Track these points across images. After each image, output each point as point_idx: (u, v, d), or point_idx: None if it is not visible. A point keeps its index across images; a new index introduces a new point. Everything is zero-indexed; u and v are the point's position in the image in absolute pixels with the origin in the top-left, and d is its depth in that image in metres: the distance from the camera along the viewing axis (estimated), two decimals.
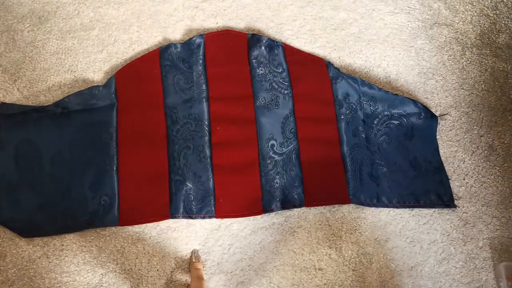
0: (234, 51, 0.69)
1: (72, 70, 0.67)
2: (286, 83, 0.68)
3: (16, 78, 0.65)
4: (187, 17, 0.72)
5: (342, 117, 0.67)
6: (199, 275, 0.54)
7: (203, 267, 0.58)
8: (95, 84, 0.66)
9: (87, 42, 0.68)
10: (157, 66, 0.66)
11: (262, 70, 0.68)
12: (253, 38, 0.70)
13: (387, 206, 0.63)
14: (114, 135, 0.62)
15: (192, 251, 0.60)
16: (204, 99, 0.65)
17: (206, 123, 0.64)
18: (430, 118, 0.68)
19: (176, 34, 0.71)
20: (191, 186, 0.61)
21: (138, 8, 0.71)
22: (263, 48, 0.69)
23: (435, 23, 0.75)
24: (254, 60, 0.68)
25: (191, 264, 0.58)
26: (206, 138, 0.64)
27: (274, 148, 0.65)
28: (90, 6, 0.71)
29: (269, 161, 0.64)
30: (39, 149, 0.61)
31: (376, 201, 0.63)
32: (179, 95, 0.65)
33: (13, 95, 0.64)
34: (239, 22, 0.73)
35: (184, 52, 0.68)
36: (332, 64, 0.69)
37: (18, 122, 0.62)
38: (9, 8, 0.68)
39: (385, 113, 0.68)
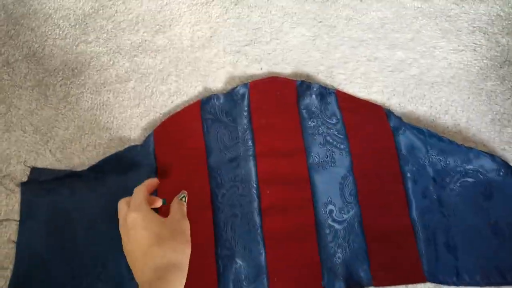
0: (282, 100, 0.62)
1: (107, 127, 0.61)
2: (341, 136, 0.60)
3: (48, 139, 0.60)
4: (229, 63, 0.66)
5: (409, 174, 0.58)
6: (181, 210, 0.46)
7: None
8: (132, 143, 0.60)
9: (123, 96, 0.63)
10: (199, 121, 0.60)
11: (313, 122, 0.61)
12: (302, 86, 0.63)
13: (469, 284, 0.54)
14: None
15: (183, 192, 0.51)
16: (250, 157, 0.59)
17: (254, 185, 0.58)
18: (511, 174, 0.59)
19: (217, 82, 0.65)
20: (241, 263, 0.54)
21: (176, 55, 0.66)
22: (313, 96, 0.62)
23: (506, 61, 0.66)
24: (304, 110, 0.61)
25: (175, 200, 0.49)
26: (255, 203, 0.57)
27: (333, 214, 0.57)
28: (126, 56, 0.65)
29: (328, 231, 0.56)
30: (72, 219, 0.56)
31: (456, 279, 0.54)
32: (223, 154, 0.59)
33: (45, 158, 0.59)
34: (285, 67, 0.66)
35: (227, 104, 0.62)
36: (393, 113, 0.62)
37: (50, 188, 0.57)
38: (40, 60, 0.64)
39: (458, 169, 0.59)
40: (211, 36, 0.67)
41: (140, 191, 0.45)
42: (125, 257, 0.44)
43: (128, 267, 0.50)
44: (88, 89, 0.63)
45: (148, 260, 0.39)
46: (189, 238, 0.43)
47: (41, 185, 0.57)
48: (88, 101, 0.62)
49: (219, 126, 0.60)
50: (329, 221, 0.56)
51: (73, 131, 0.61)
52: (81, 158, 0.59)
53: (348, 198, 0.58)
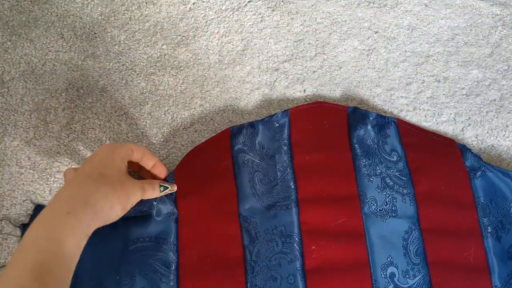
0: (330, 132, 0.50)
1: None
2: (404, 178, 0.48)
3: (49, 176, 0.50)
4: (265, 83, 0.54)
5: (489, 229, 0.46)
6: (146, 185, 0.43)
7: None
8: None
9: (137, 122, 0.52)
10: (228, 157, 0.49)
11: (369, 159, 0.49)
12: (355, 113, 0.51)
13: None
14: (173, 257, 0.45)
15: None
16: (292, 204, 0.47)
17: (297, 239, 0.46)
18: None
19: (250, 107, 0.53)
20: None
21: (202, 73, 0.54)
22: (369, 127, 0.50)
23: None
24: (357, 145, 0.49)
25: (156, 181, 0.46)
26: (298, 263, 0.45)
27: (395, 279, 0.45)
28: (141, 73, 0.54)
29: None
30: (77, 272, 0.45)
31: None
32: (258, 199, 0.48)
33: (45, 200, 0.49)
34: (333, 88, 0.54)
35: (264, 135, 0.50)
36: (469, 149, 0.49)
37: None
38: (39, 78, 0.53)
39: None
40: (243, 50, 0.56)
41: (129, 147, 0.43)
42: None
43: None
44: (96, 114, 0.52)
45: (80, 183, 0.37)
46: (127, 208, 0.40)
47: None
48: (96, 129, 0.52)
49: (253, 164, 0.49)
50: (391, 287, 0.45)
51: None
52: None
53: (414, 258, 0.46)
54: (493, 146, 0.51)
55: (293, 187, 0.48)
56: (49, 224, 0.34)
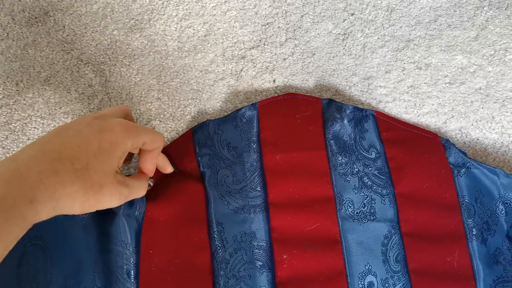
0: (302, 127, 0.45)
1: None
2: (383, 177, 0.44)
3: None
4: (230, 73, 0.49)
5: (474, 231, 0.43)
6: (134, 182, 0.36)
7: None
8: None
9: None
10: (193, 160, 0.44)
11: (346, 157, 0.44)
12: (330, 106, 0.46)
13: None
14: (133, 266, 0.41)
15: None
16: (261, 209, 0.42)
17: (267, 248, 0.42)
18: None
19: (214, 99, 0.48)
20: None
21: (158, 62, 0.48)
22: (346, 121, 0.45)
23: None
24: (332, 141, 0.45)
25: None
26: (269, 274, 0.41)
27: None
28: (89, 63, 0.48)
29: None
30: (48, 257, 0.40)
31: None
32: (225, 202, 0.43)
33: None
34: (306, 77, 0.49)
35: (230, 133, 0.45)
36: (454, 145, 0.45)
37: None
38: None
39: None
40: (205, 36, 0.50)
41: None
42: None
43: None
44: (38, 111, 0.46)
45: (58, 167, 0.28)
46: (85, 212, 0.31)
47: None
48: (38, 128, 0.46)
49: (219, 165, 0.44)
50: None
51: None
52: None
53: (393, 265, 0.42)
54: (478, 139, 0.47)
55: (262, 190, 0.43)
56: (3, 204, 0.26)
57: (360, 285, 0.41)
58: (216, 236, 0.42)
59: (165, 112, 0.47)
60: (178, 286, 0.40)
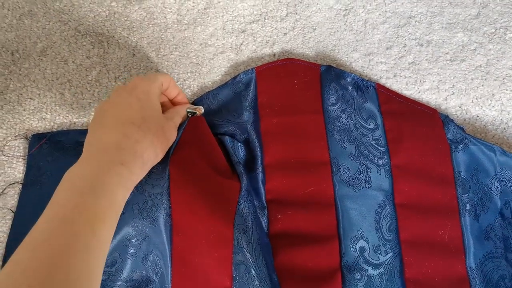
0: (300, 92, 0.45)
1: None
2: (381, 148, 0.44)
3: None
4: (230, 47, 0.48)
5: (468, 206, 0.43)
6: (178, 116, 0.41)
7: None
8: None
9: (84, 92, 0.46)
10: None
11: (344, 123, 0.44)
12: (329, 72, 0.45)
13: None
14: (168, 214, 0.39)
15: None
16: (258, 168, 0.42)
17: (261, 207, 0.42)
18: None
19: (213, 73, 0.47)
20: None
21: (158, 35, 0.48)
22: (345, 88, 0.45)
23: None
24: (330, 108, 0.44)
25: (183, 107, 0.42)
26: (263, 231, 0.41)
27: (365, 254, 0.41)
28: (87, 35, 0.47)
29: (358, 276, 0.40)
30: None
31: None
32: (238, 158, 0.43)
33: None
34: (306, 52, 0.48)
35: (228, 98, 0.45)
36: (452, 120, 0.45)
37: (58, 155, 0.43)
38: None
39: None
40: (205, 9, 0.49)
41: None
42: None
43: None
44: (34, 82, 0.45)
45: (126, 131, 0.34)
46: (165, 149, 0.37)
47: (47, 151, 0.43)
48: (34, 99, 0.45)
49: (222, 126, 0.44)
50: (360, 262, 0.41)
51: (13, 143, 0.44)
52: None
53: (386, 234, 0.42)
54: (478, 116, 0.47)
55: (258, 152, 0.43)
56: (103, 172, 0.31)
57: (352, 249, 0.41)
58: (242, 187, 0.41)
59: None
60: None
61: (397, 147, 0.44)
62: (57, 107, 0.45)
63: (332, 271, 0.40)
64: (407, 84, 0.48)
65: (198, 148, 0.40)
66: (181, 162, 0.39)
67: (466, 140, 0.44)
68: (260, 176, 0.42)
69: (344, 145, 0.44)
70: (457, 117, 0.47)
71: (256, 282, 0.38)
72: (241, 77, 0.45)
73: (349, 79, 0.45)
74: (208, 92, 0.44)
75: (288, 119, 0.44)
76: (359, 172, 0.43)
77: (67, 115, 0.45)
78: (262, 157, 0.43)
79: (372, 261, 0.41)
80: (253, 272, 0.38)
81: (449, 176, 0.44)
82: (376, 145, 0.44)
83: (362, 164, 0.43)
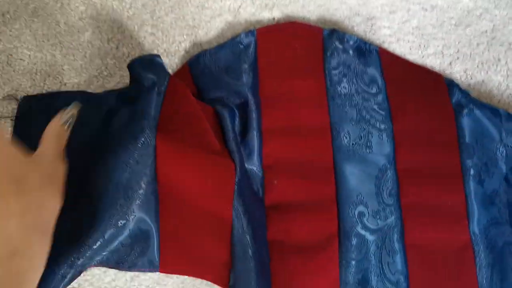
0: (302, 56, 0.43)
1: None
2: (383, 113, 0.42)
3: None
4: (228, 9, 0.47)
5: (472, 171, 0.41)
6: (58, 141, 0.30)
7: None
8: None
9: (75, 53, 0.44)
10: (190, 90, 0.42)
11: (345, 88, 0.43)
12: (332, 36, 0.44)
13: None
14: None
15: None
16: (254, 132, 0.40)
17: (258, 171, 0.40)
18: None
19: (210, 36, 0.46)
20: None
21: None
22: (348, 52, 0.44)
23: None
24: (334, 71, 0.43)
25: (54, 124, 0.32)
26: (259, 197, 0.40)
27: (364, 219, 0.40)
28: None
29: (354, 241, 0.39)
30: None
31: None
32: (231, 117, 0.41)
33: None
34: (307, 15, 0.47)
35: (227, 58, 0.43)
36: (457, 84, 0.44)
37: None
38: None
39: None
40: None
41: None
42: None
43: None
44: (25, 43, 0.44)
45: None
46: (62, 188, 0.27)
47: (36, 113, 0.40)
48: (25, 60, 0.43)
49: (218, 87, 0.42)
50: (358, 228, 0.39)
51: (2, 104, 0.42)
52: None
53: (386, 199, 0.40)
54: (483, 81, 0.46)
55: (255, 115, 0.41)
56: None
57: (350, 214, 0.40)
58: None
59: (159, 48, 0.45)
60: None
61: (400, 112, 0.42)
62: (48, 68, 0.43)
63: (328, 237, 0.39)
64: (410, 49, 0.46)
65: (187, 125, 0.38)
66: (168, 140, 0.36)
67: (471, 105, 0.43)
68: (257, 140, 0.40)
69: (345, 109, 0.42)
70: (462, 82, 0.46)
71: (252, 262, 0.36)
72: (242, 37, 0.43)
73: (351, 42, 0.44)
74: (205, 50, 0.43)
75: (288, 83, 0.42)
76: (360, 137, 0.42)
77: (58, 76, 0.43)
78: (260, 121, 0.41)
79: (370, 226, 0.40)
80: (250, 252, 0.36)
81: (453, 141, 0.42)
82: (378, 110, 0.43)
83: (363, 129, 0.42)
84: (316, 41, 0.44)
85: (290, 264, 0.38)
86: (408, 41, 0.46)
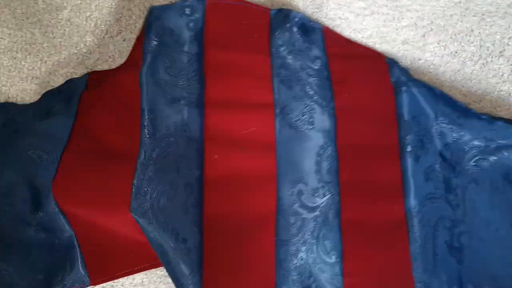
0: (248, 33, 0.44)
1: (32, 75, 0.44)
2: (325, 89, 0.43)
3: None
4: None
5: (409, 148, 0.42)
6: None
7: None
8: None
9: (54, 31, 0.45)
10: (139, 44, 0.42)
11: (291, 64, 0.43)
12: (279, 15, 0.45)
13: None
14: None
15: None
16: (196, 104, 0.41)
17: (199, 145, 0.40)
18: None
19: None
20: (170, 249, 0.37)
21: None
22: (293, 29, 0.44)
23: None
24: (278, 48, 0.43)
25: None
26: (196, 172, 0.39)
27: (302, 197, 0.40)
28: None
29: (292, 220, 0.39)
30: None
31: None
32: (162, 91, 0.40)
33: None
34: None
35: (174, 20, 0.43)
36: (397, 63, 0.45)
37: None
38: None
39: (475, 143, 0.43)
40: None
41: None
42: None
43: None
44: (4, 21, 0.45)
45: None
46: None
47: None
48: (5, 39, 0.44)
49: (160, 51, 0.41)
50: (296, 206, 0.40)
51: None
52: None
53: (325, 176, 0.41)
54: (456, 52, 0.46)
55: (199, 86, 0.41)
56: None
57: (289, 192, 0.40)
58: (146, 124, 0.39)
59: (136, 24, 0.46)
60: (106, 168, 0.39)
61: (342, 89, 0.43)
62: (28, 46, 0.44)
63: (266, 216, 0.39)
64: (384, 21, 0.47)
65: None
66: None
67: (409, 83, 0.43)
68: (199, 110, 0.40)
69: (290, 86, 0.42)
70: (435, 53, 0.46)
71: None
72: (192, 3, 0.43)
73: (296, 19, 0.44)
74: (153, 6, 0.43)
75: (234, 56, 0.42)
76: (302, 114, 0.42)
77: (38, 53, 0.44)
78: (203, 91, 0.41)
79: (308, 204, 0.40)
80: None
81: (391, 118, 0.43)
82: (321, 85, 0.43)
83: (306, 105, 0.42)
84: (263, 21, 0.44)
85: (225, 245, 0.38)
86: (383, 14, 0.47)
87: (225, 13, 0.44)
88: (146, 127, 0.39)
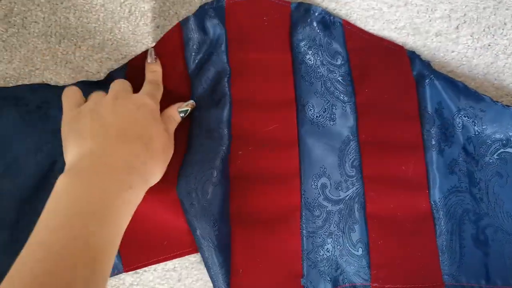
0: (269, 30, 0.44)
1: (67, 60, 0.44)
2: (346, 85, 0.43)
3: None
4: None
5: (433, 142, 0.42)
6: (155, 80, 0.40)
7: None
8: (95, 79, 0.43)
9: (88, 16, 0.45)
10: (181, 50, 0.43)
11: (311, 60, 0.43)
12: (299, 10, 0.44)
13: None
14: None
15: (148, 50, 0.42)
16: (227, 102, 0.41)
17: (226, 141, 0.40)
18: None
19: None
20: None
21: None
22: (313, 24, 0.44)
23: None
24: (299, 44, 0.43)
25: (146, 66, 0.41)
26: (221, 165, 0.40)
27: (326, 191, 0.41)
28: None
29: (317, 212, 0.40)
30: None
31: (486, 283, 0.40)
32: (203, 88, 0.42)
33: None
34: None
35: (202, 25, 0.43)
36: (419, 56, 0.45)
37: None
38: None
39: (498, 136, 0.43)
40: None
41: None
42: None
43: None
44: (38, 5, 0.45)
45: (135, 150, 0.32)
46: (164, 171, 0.36)
47: None
48: (39, 23, 0.44)
49: (202, 51, 0.43)
50: (320, 199, 0.41)
51: (18, 65, 0.43)
52: None
53: (348, 170, 0.42)
54: (489, 45, 0.47)
55: (226, 85, 0.42)
56: (112, 198, 0.29)
57: (313, 186, 0.41)
58: (196, 118, 0.41)
59: (170, 11, 0.46)
60: None
61: (363, 84, 0.43)
62: (62, 30, 0.44)
63: (291, 210, 0.40)
64: (418, 13, 0.47)
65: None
66: None
67: (432, 76, 0.44)
68: (227, 109, 0.41)
69: (311, 82, 0.43)
70: (469, 46, 0.46)
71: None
72: (212, 3, 0.43)
73: (316, 14, 0.44)
74: (191, 15, 0.43)
75: (255, 55, 0.43)
76: (323, 110, 0.42)
77: (72, 38, 0.44)
78: (229, 91, 0.41)
79: (332, 197, 0.41)
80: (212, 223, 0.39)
81: (414, 112, 0.43)
82: (342, 82, 0.43)
83: (327, 101, 0.43)
84: (284, 16, 0.44)
85: (252, 236, 0.39)
86: (416, 5, 0.47)
87: (245, 11, 0.44)
88: (195, 119, 0.42)
